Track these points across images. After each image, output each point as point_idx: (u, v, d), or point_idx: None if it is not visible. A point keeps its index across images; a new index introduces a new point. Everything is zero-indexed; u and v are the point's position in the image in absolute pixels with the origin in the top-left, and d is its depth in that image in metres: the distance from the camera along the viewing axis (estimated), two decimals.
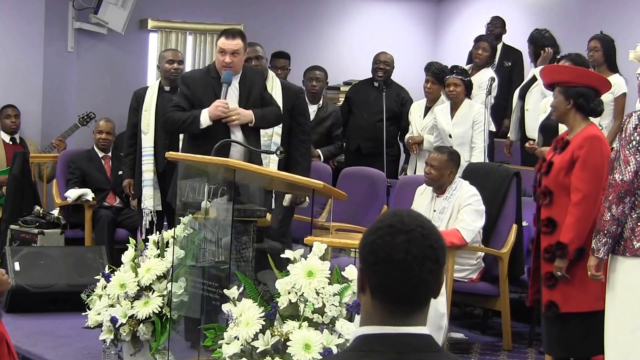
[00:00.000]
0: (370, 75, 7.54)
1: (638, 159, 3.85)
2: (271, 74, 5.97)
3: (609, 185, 3.94)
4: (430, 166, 5.36)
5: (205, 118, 5.04)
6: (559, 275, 4.30)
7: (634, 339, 3.86)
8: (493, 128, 7.22)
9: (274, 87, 5.76)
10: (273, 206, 5.53)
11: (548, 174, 4.44)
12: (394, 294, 1.67)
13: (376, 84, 7.41)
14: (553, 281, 4.35)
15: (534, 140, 6.39)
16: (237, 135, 5.11)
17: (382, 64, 7.46)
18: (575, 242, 4.27)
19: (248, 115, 5.10)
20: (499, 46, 8.02)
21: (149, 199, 6.12)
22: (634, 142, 3.85)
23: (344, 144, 7.25)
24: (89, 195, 6.82)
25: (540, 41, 6.92)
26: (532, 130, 6.76)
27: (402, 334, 1.67)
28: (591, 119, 4.49)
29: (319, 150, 6.97)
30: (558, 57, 6.79)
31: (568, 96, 4.38)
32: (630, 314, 3.89)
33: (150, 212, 6.13)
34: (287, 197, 5.62)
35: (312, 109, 7.03)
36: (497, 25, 8.11)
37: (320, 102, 7.13)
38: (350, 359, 1.69)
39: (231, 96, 5.16)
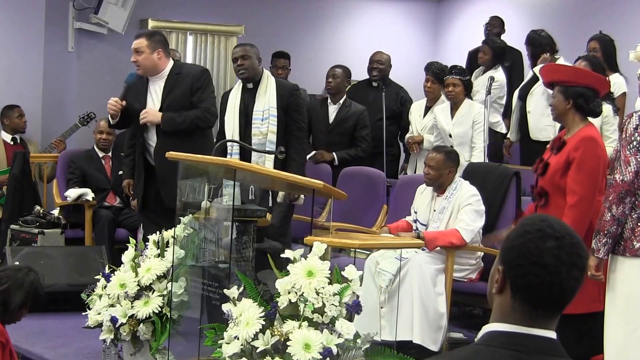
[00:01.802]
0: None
1: (639, 159, 3.85)
2: (266, 72, 5.98)
3: (610, 186, 3.93)
4: (428, 167, 5.36)
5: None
6: None
7: (634, 338, 3.86)
8: (503, 129, 7.20)
9: (269, 85, 5.77)
10: (270, 204, 5.55)
11: (544, 174, 4.43)
12: (539, 297, 1.73)
13: (375, 84, 7.40)
14: None
15: (535, 141, 6.42)
16: (151, 136, 5.57)
17: (376, 63, 7.47)
18: None
19: (156, 117, 5.51)
20: None
21: None
22: (634, 143, 3.85)
23: (367, 145, 6.94)
24: (89, 195, 6.82)
25: (538, 41, 6.91)
26: (535, 131, 6.76)
27: (532, 335, 1.74)
28: (590, 119, 4.48)
29: (334, 154, 6.86)
30: (557, 56, 6.81)
31: (567, 96, 4.36)
32: (630, 314, 3.89)
33: None
34: (281, 193, 5.62)
35: (332, 109, 6.99)
36: (495, 25, 8.11)
37: (342, 101, 7.00)
38: (481, 352, 1.75)
39: (153, 97, 5.59)
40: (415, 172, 6.78)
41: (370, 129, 6.96)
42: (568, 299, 1.76)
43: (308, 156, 6.62)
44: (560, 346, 1.77)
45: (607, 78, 5.71)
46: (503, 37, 8.09)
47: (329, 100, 7.07)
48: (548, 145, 4.63)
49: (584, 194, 4.26)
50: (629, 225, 3.90)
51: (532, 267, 1.71)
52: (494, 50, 7.31)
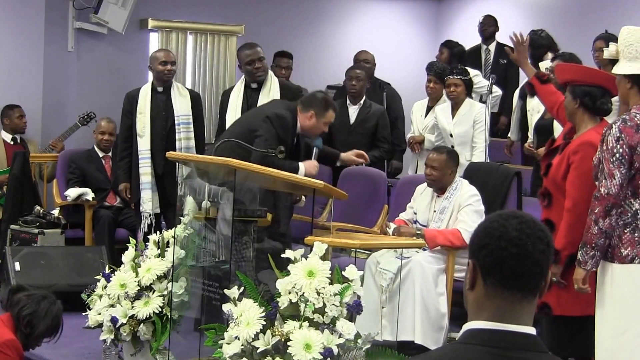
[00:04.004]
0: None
1: (623, 172, 3.84)
2: (270, 73, 5.98)
3: (595, 198, 3.92)
4: (431, 167, 5.33)
5: (302, 172, 5.08)
6: (555, 280, 4.29)
7: (621, 341, 3.90)
8: (499, 91, 7.24)
9: (273, 86, 5.78)
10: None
11: (547, 175, 4.44)
12: (509, 274, 1.74)
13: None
14: (549, 283, 4.34)
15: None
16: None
17: (363, 62, 7.45)
18: (568, 248, 4.25)
19: None
20: (493, 45, 8.01)
21: (148, 202, 6.09)
22: (617, 155, 3.84)
23: (389, 147, 6.89)
24: (89, 194, 6.81)
25: (537, 42, 6.90)
26: None
27: (510, 331, 1.74)
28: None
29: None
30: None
31: (575, 95, 4.33)
32: (617, 318, 3.92)
33: (150, 215, 6.10)
34: (303, 199, 5.60)
35: (353, 110, 6.92)
36: (490, 24, 8.14)
37: (362, 102, 6.88)
38: (458, 350, 1.76)
39: None
40: (416, 172, 6.77)
41: (389, 129, 6.90)
42: (537, 275, 1.76)
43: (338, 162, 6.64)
44: (540, 341, 1.76)
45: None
46: (497, 35, 8.11)
47: (348, 102, 7.00)
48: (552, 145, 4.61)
49: (579, 197, 4.26)
50: (616, 233, 3.91)
51: (497, 242, 1.73)
52: (451, 52, 7.33)
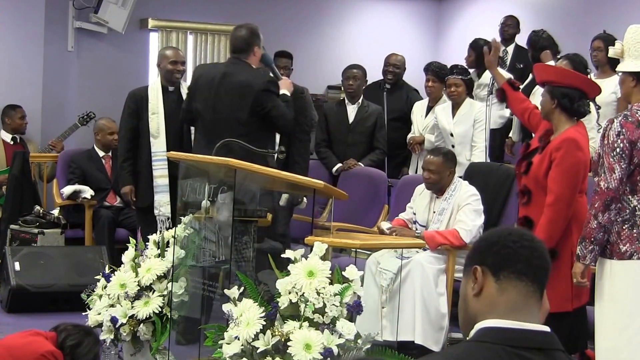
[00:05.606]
0: (374, 76, 7.47)
1: (623, 166, 3.86)
2: None
3: (594, 193, 3.93)
4: (428, 171, 5.32)
5: (289, 92, 5.28)
6: None
7: (623, 338, 3.91)
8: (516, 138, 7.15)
9: None
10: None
11: (527, 173, 4.47)
12: (524, 260, 1.81)
13: (388, 86, 7.31)
14: None
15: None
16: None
17: (392, 67, 7.39)
18: (547, 242, 4.26)
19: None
20: (511, 47, 7.88)
21: (166, 205, 5.90)
22: (617, 150, 3.86)
23: (384, 146, 6.92)
24: (87, 192, 6.79)
25: (539, 42, 6.89)
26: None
27: (525, 329, 1.76)
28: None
29: (360, 163, 6.74)
30: (558, 56, 6.79)
31: (553, 96, 4.43)
32: (617, 314, 3.93)
33: (168, 219, 5.98)
34: (284, 197, 5.60)
35: (352, 109, 6.94)
36: (511, 26, 7.95)
37: (360, 101, 6.95)
38: (471, 349, 1.76)
39: None
40: (416, 172, 6.76)
41: (386, 130, 6.92)
42: (546, 272, 1.83)
43: (334, 168, 6.63)
44: (555, 339, 1.78)
45: (600, 78, 5.75)
46: (517, 37, 7.99)
47: (346, 101, 7.02)
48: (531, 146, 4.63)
49: (561, 193, 4.31)
50: (614, 229, 3.93)
51: (508, 237, 1.83)
52: (475, 51, 7.31)
